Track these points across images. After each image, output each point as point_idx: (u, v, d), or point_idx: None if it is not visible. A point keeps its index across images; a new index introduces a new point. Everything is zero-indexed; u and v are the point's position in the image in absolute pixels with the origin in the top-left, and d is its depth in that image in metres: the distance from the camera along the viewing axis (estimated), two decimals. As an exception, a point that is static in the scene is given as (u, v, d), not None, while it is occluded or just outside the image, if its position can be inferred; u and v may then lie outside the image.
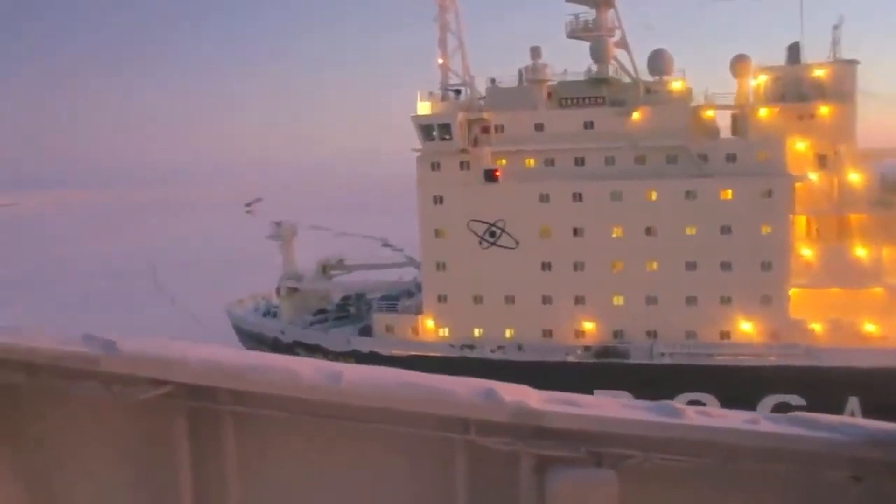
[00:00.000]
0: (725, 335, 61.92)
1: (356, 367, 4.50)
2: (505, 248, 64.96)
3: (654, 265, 62.55)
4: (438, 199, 65.87)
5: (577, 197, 63.35)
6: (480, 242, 65.30)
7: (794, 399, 56.44)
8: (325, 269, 76.91)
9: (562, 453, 4.29)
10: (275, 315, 74.53)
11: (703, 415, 4.29)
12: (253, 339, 70.78)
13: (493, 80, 68.54)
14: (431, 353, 62.51)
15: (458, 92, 67.98)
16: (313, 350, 65.13)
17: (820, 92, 62.63)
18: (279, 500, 4.82)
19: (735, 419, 4.34)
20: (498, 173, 64.78)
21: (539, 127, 64.71)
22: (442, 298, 66.45)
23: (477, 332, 65.31)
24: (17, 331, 4.65)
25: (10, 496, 4.82)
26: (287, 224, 75.55)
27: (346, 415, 4.40)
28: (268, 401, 4.46)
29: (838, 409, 53.97)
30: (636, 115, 63.52)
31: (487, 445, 4.34)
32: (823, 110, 62.44)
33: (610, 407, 4.33)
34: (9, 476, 4.81)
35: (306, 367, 4.40)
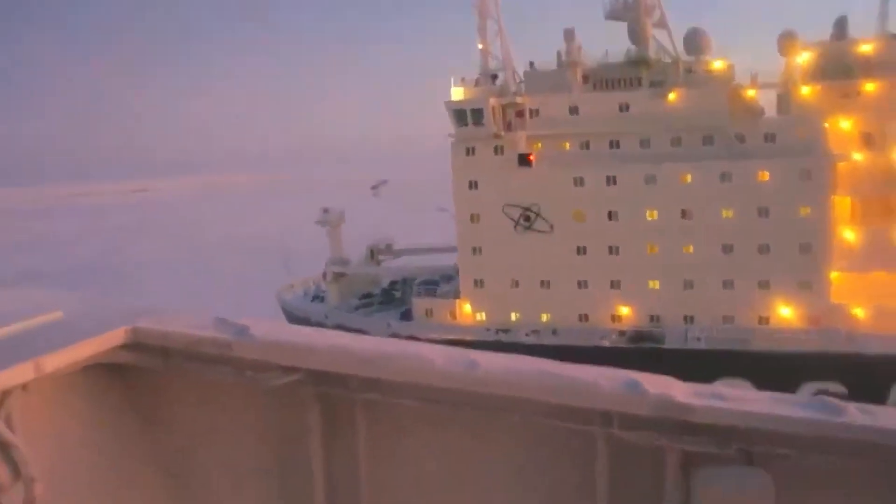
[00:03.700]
0: (764, 320, 60.38)
1: (492, 355, 4.31)
2: (540, 232, 64.72)
3: (690, 248, 61.39)
4: (473, 184, 65.98)
5: (612, 180, 62.62)
6: (515, 227, 65.20)
7: (835, 386, 54.59)
8: (373, 253, 78.01)
9: (710, 450, 3.96)
10: (322, 299, 75.99)
11: (866, 413, 3.85)
12: (299, 323, 72.13)
13: (531, 64, 68.24)
14: (467, 337, 62.79)
15: (494, 77, 67.84)
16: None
17: (866, 68, 60.19)
18: (411, 490, 4.71)
19: None
20: (532, 157, 64.54)
21: (574, 110, 64.11)
22: (478, 283, 66.69)
23: (514, 316, 65.38)
24: (153, 314, 4.71)
25: (148, 477, 4.88)
26: (334, 210, 76.84)
27: (482, 404, 4.21)
28: (400, 389, 4.32)
29: (881, 397, 52.13)
30: (673, 97, 62.27)
31: (630, 440, 4.07)
32: (869, 87, 59.83)
33: (761, 401, 3.97)
34: (147, 457, 4.89)
35: (440, 355, 4.25)
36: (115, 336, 4.51)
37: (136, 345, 4.57)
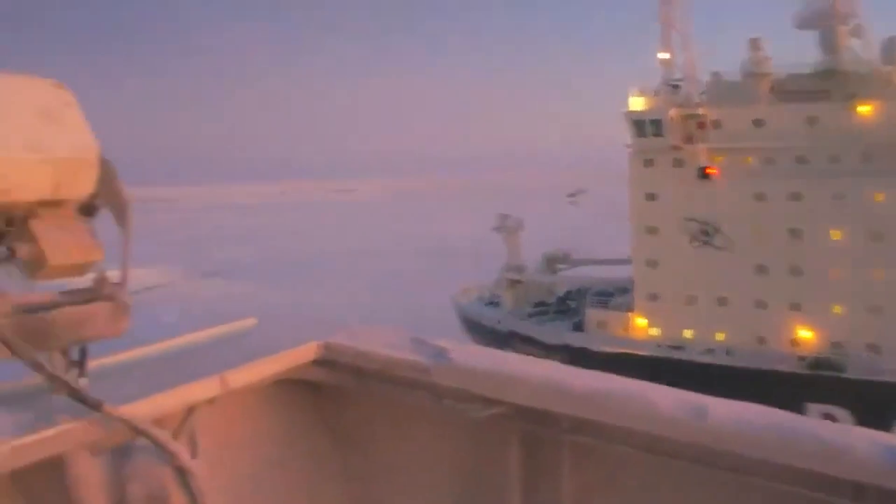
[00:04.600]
0: (961, 355, 55.93)
1: (723, 402, 3.68)
2: (718, 248, 62.71)
3: (880, 273, 57.62)
4: (651, 196, 64.72)
5: (796, 196, 59.75)
6: (693, 241, 63.49)
7: None
8: (549, 262, 78.11)
9: None
10: (497, 305, 76.83)
11: None
12: (473, 327, 73.61)
13: (715, 74, 66.14)
14: (639, 352, 61.93)
15: (675, 87, 66.18)
16: (527, 341, 66.65)
17: None
18: None
19: None
20: (712, 170, 62.57)
21: (758, 123, 61.60)
22: (652, 297, 65.35)
23: (688, 333, 63.70)
24: (346, 330, 4.56)
25: (335, 497, 4.70)
26: (513, 217, 77.44)
27: (707, 460, 3.58)
28: (616, 433, 3.79)
29: None
30: (867, 110, 58.68)
31: None
32: None
33: None
34: (339, 479, 4.71)
35: (665, 397, 3.68)
36: (308, 351, 4.27)
37: (327, 361, 4.33)
